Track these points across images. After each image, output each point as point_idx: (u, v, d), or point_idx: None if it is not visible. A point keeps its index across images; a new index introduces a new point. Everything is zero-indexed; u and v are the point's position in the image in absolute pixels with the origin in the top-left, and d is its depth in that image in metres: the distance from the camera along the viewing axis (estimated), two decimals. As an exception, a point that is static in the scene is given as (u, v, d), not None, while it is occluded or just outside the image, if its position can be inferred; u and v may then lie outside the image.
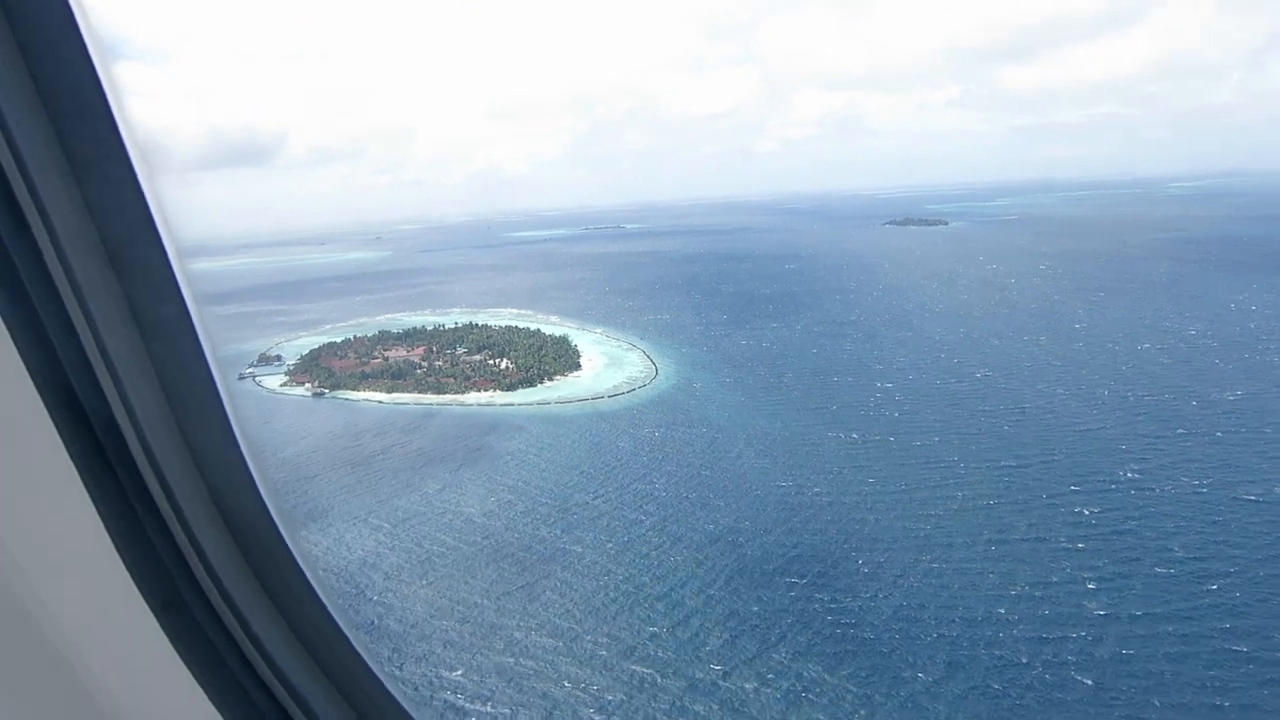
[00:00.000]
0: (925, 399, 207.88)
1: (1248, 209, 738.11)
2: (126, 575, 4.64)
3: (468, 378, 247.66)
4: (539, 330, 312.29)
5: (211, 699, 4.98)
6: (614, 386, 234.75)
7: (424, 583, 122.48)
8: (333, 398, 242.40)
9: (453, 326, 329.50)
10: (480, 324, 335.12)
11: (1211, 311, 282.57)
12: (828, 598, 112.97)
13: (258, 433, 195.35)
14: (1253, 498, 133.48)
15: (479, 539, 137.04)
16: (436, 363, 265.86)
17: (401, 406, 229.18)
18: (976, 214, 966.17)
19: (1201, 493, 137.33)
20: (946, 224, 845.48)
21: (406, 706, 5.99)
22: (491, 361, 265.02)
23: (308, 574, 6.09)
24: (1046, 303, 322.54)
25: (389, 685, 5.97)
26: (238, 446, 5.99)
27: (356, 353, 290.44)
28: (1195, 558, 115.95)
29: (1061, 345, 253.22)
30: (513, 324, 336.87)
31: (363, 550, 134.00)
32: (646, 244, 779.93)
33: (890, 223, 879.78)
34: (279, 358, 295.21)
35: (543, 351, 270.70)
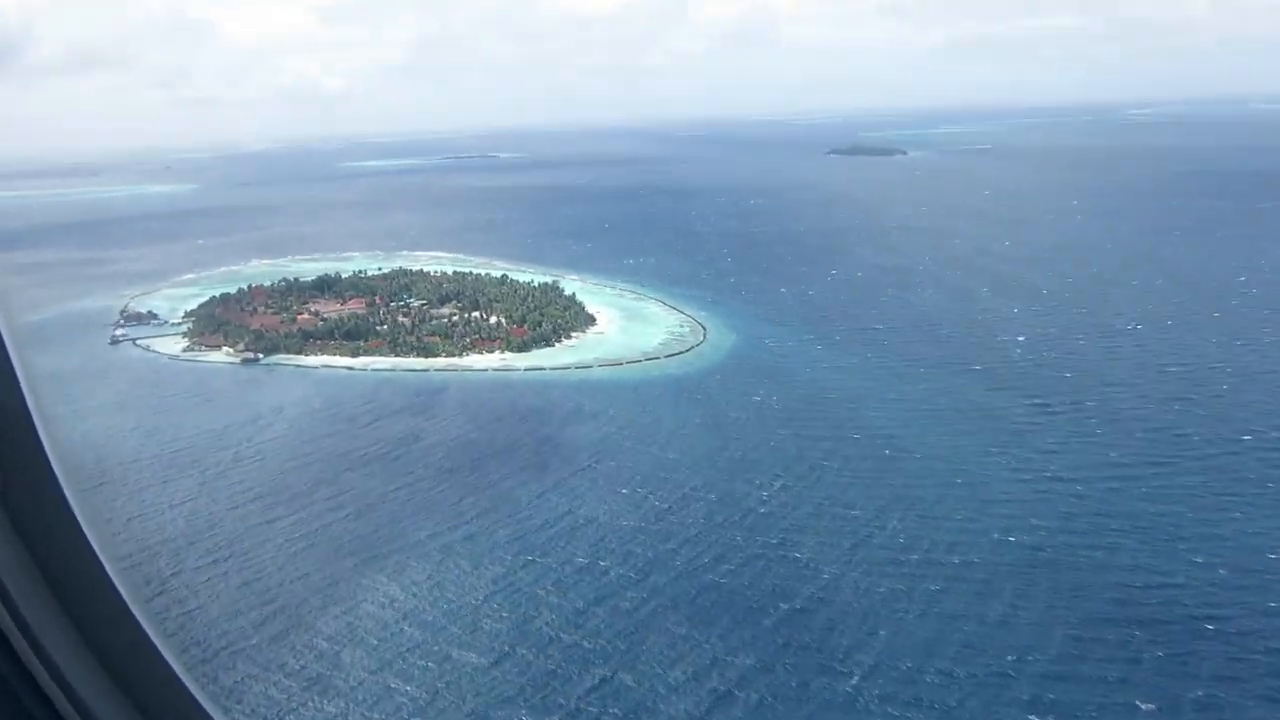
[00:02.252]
0: (1085, 355, 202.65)
1: (1243, 139, 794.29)
2: None
3: (452, 336, 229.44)
4: (507, 278, 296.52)
5: None
6: (660, 344, 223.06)
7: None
8: (276, 364, 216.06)
9: (380, 273, 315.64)
10: (418, 270, 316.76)
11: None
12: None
13: (215, 417, 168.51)
14: None
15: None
16: (400, 319, 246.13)
17: (384, 374, 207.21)
18: (932, 143, 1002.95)
19: None
20: (905, 154, 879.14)
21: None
22: (473, 315, 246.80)
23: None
24: (1131, 245, 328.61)
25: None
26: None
27: (269, 306, 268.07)
28: None
29: (1192, 291, 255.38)
30: (460, 270, 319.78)
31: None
32: (545, 177, 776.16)
33: (834, 152, 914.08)
34: (153, 315, 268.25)
35: (538, 304, 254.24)
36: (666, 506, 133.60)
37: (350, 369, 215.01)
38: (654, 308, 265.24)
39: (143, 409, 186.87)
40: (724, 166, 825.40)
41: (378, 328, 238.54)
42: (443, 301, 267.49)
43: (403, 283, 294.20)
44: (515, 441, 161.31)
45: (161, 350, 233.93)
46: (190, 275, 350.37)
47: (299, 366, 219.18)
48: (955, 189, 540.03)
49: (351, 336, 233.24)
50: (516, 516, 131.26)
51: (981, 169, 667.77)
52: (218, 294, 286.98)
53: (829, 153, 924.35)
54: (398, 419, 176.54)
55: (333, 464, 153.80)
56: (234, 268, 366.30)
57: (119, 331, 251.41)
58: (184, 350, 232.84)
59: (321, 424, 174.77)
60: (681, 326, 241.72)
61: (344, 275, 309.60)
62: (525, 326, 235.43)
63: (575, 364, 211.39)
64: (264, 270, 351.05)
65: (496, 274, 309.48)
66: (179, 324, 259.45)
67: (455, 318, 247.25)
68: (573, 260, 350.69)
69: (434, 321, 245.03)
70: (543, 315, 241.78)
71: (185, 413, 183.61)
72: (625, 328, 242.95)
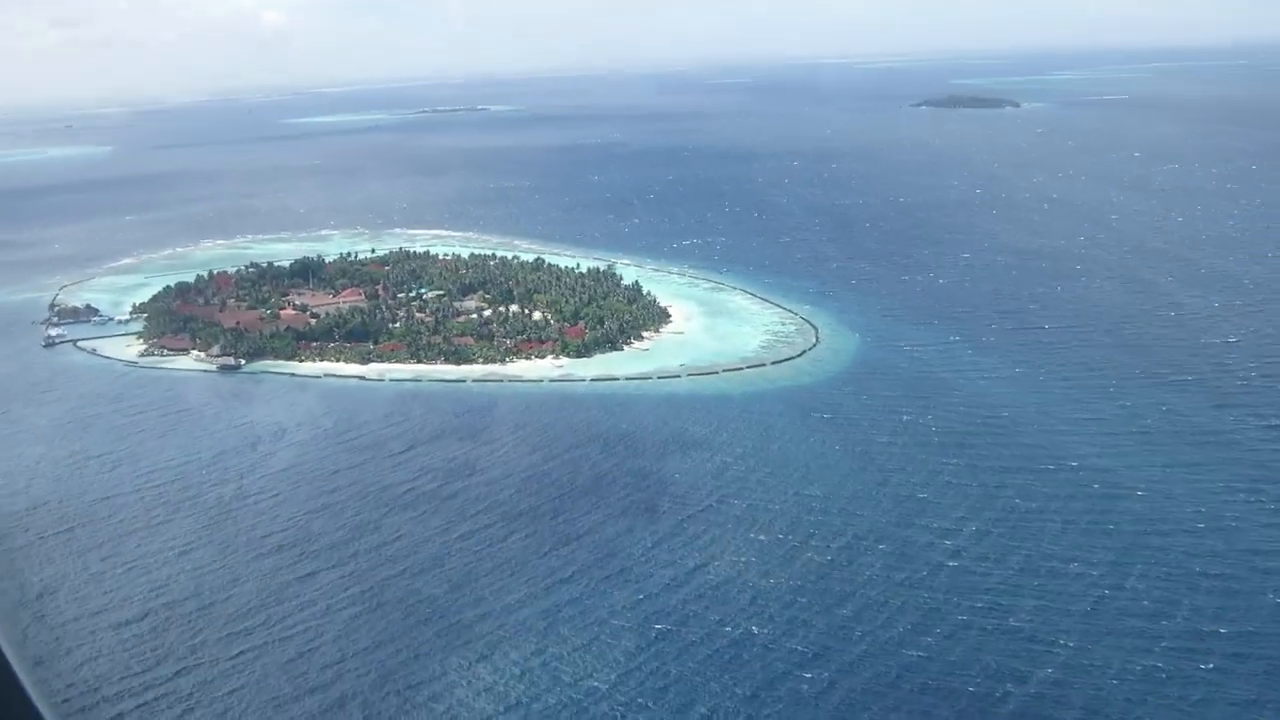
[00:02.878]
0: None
1: None
2: None
3: (490, 337, 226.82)
4: (543, 262, 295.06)
5: None
6: (763, 348, 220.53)
7: None
8: (263, 373, 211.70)
9: (374, 256, 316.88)
10: (423, 253, 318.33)
11: None
12: None
13: (201, 442, 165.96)
14: None
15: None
16: (419, 315, 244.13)
17: (407, 386, 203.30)
18: (1049, 92, 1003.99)
19: None
20: (1017, 105, 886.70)
21: None
22: (510, 310, 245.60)
23: None
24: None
25: None
26: None
27: (241, 299, 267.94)
28: None
29: None
30: (478, 252, 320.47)
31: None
32: (555, 135, 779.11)
33: (925, 104, 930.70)
34: (93, 310, 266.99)
35: (591, 295, 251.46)
36: (827, 560, 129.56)
37: (362, 379, 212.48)
38: (740, 300, 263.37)
39: (105, 432, 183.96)
40: (783, 122, 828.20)
41: (390, 326, 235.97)
42: (464, 292, 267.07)
43: (409, 268, 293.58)
44: (604, 475, 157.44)
45: (112, 355, 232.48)
46: (127, 260, 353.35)
47: (294, 376, 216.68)
48: (1095, 150, 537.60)
49: (356, 337, 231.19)
50: (631, 574, 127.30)
51: (1121, 125, 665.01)
52: (172, 283, 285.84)
53: (918, 104, 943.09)
54: (440, 445, 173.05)
55: (369, 503, 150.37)
56: (180, 250, 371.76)
57: (53, 331, 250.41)
58: (142, 355, 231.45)
59: (341, 451, 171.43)
60: (783, 324, 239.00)
61: (327, 259, 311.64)
62: (582, 324, 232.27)
63: (656, 373, 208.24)
64: (219, 254, 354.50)
65: (526, 257, 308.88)
66: (127, 320, 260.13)
67: (487, 313, 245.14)
68: (620, 240, 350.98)
69: (460, 318, 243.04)
70: (602, 310, 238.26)
71: (162, 436, 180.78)
72: (709, 326, 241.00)
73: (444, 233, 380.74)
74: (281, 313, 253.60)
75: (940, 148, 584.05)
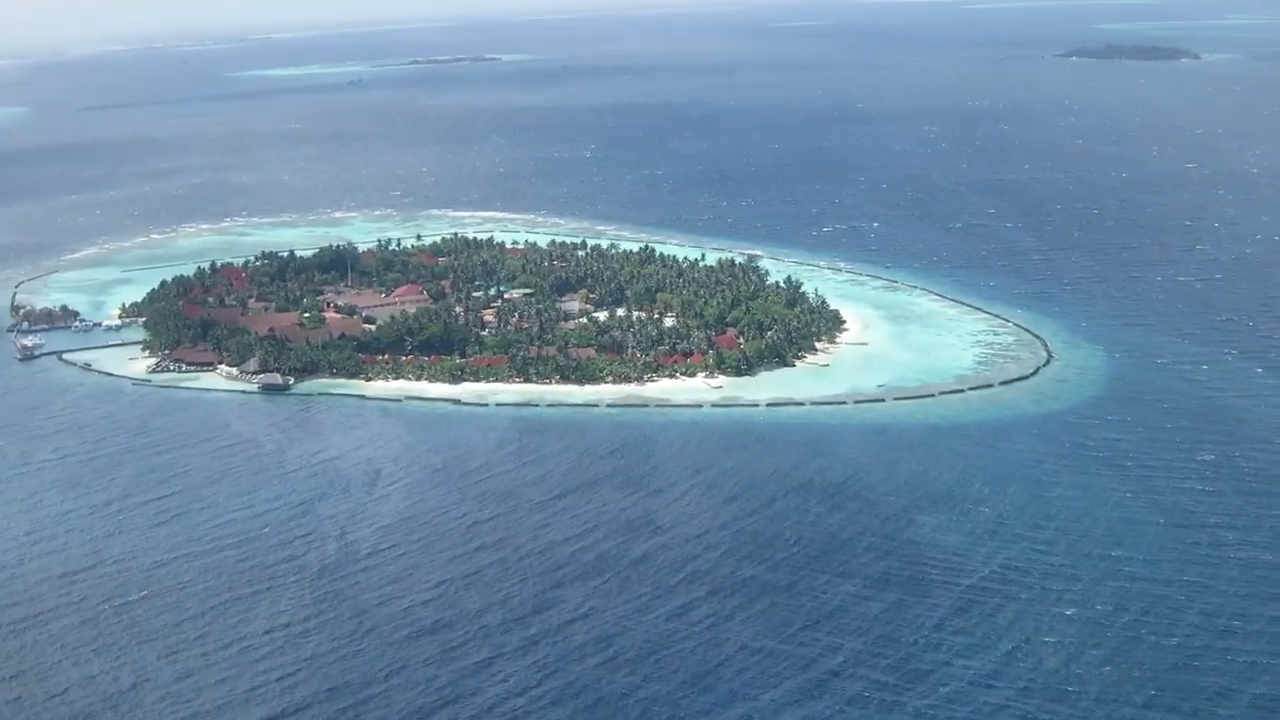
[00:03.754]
0: None
1: None
2: None
3: (622, 348, 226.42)
4: (654, 252, 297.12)
5: None
6: (978, 364, 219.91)
7: None
8: (321, 394, 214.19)
9: (420, 245, 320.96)
10: (485, 240, 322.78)
11: None
12: None
13: (275, 487, 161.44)
14: None
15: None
16: (511, 321, 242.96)
17: (521, 413, 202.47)
18: (1233, 42, 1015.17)
19: None
20: (1196, 57, 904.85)
21: None
22: (630, 314, 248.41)
23: None
24: None
25: None
26: None
27: (259, 298, 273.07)
28: None
29: None
30: (557, 239, 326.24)
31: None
32: (602, 92, 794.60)
33: (1074, 54, 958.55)
34: (73, 313, 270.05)
35: (738, 295, 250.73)
36: (1174, 643, 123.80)
37: (457, 402, 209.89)
38: (926, 303, 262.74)
39: (142, 473, 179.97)
40: (891, 76, 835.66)
41: (481, 335, 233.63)
42: (559, 291, 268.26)
43: (477, 260, 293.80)
44: (836, 535, 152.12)
45: (113, 370, 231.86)
46: (90, 250, 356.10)
47: (364, 398, 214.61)
48: None
49: (434, 348, 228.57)
50: (922, 664, 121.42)
51: None
52: (165, 279, 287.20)
53: (1066, 54, 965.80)
54: (598, 491, 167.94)
55: (532, 569, 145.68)
56: (156, 237, 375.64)
57: (27, 341, 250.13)
58: (153, 370, 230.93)
59: (468, 499, 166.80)
60: (994, 334, 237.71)
61: (362, 247, 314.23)
62: (733, 332, 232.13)
63: (850, 395, 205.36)
64: (209, 241, 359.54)
65: (629, 246, 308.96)
66: (118, 326, 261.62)
67: (599, 317, 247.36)
68: (735, 225, 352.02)
69: (567, 324, 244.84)
70: (755, 313, 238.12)
71: (220, 479, 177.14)
72: (898, 335, 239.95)
73: (498, 214, 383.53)
74: (328, 316, 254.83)
75: (1116, 109, 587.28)
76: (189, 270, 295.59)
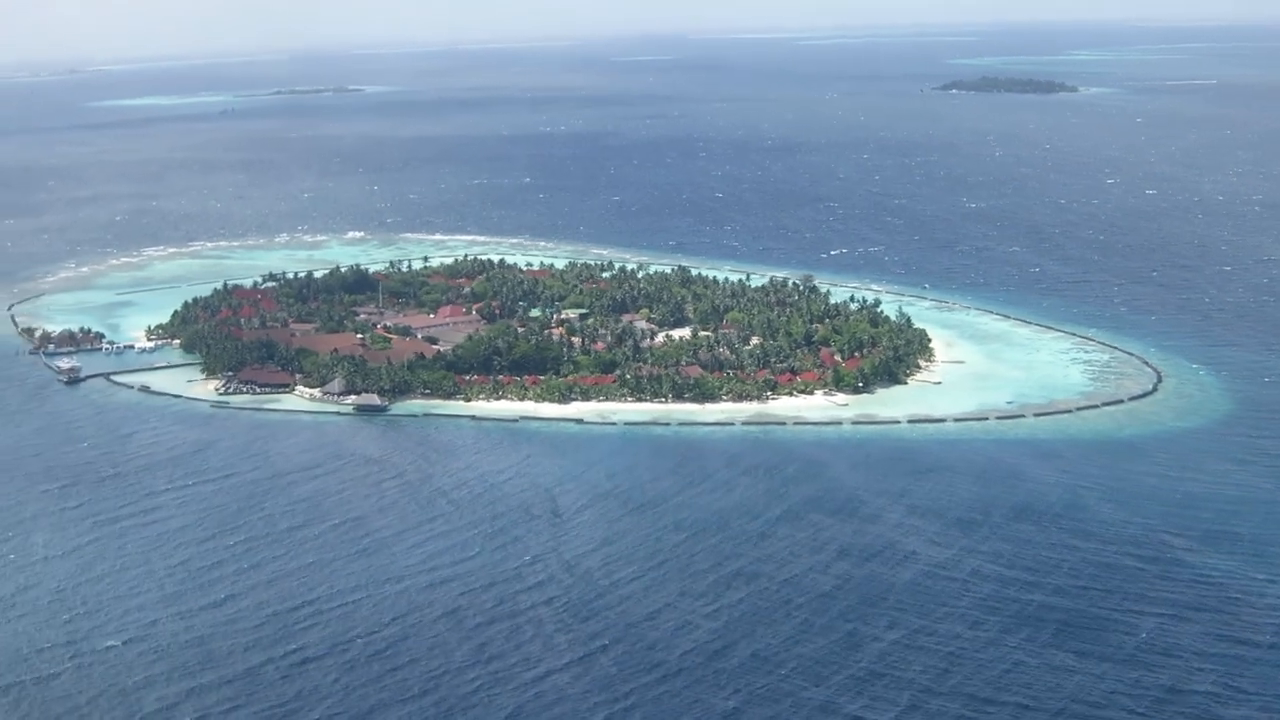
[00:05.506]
0: None
1: None
2: None
3: (738, 368, 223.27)
4: (694, 274, 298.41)
5: None
6: (1089, 380, 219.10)
7: None
8: (425, 415, 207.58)
9: (428, 267, 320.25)
10: (499, 261, 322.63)
11: None
12: None
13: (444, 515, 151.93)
14: None
15: None
16: (576, 340, 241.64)
17: (649, 431, 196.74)
18: (1103, 77, 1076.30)
19: None
20: (1075, 90, 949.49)
21: None
22: (714, 333, 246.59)
23: None
24: None
25: None
26: None
27: (302, 320, 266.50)
28: None
29: None
30: (559, 261, 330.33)
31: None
32: (504, 122, 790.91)
33: (954, 87, 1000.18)
34: (98, 335, 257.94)
35: (812, 314, 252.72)
36: None
37: (579, 421, 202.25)
38: (991, 322, 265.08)
39: (298, 509, 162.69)
40: (787, 109, 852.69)
41: (575, 356, 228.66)
42: (616, 311, 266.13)
43: (513, 282, 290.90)
44: (1111, 565, 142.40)
45: (174, 391, 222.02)
46: (65, 274, 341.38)
47: (475, 419, 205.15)
48: (1255, 145, 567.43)
49: (522, 368, 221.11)
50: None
51: (1247, 116, 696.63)
52: (191, 298, 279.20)
53: (944, 87, 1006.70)
54: (809, 518, 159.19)
55: (806, 598, 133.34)
56: (127, 259, 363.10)
57: (64, 364, 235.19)
58: (222, 391, 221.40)
59: (672, 530, 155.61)
60: (1085, 352, 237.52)
61: (365, 269, 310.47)
62: (832, 351, 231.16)
63: (989, 411, 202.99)
64: (187, 265, 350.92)
65: (661, 268, 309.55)
66: (152, 349, 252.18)
67: (675, 336, 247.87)
68: (727, 247, 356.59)
69: (648, 342, 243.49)
70: (848, 334, 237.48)
71: (388, 507, 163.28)
72: (988, 353, 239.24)
73: (480, 238, 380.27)
74: (392, 338, 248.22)
75: (1036, 139, 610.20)
76: (187, 294, 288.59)
